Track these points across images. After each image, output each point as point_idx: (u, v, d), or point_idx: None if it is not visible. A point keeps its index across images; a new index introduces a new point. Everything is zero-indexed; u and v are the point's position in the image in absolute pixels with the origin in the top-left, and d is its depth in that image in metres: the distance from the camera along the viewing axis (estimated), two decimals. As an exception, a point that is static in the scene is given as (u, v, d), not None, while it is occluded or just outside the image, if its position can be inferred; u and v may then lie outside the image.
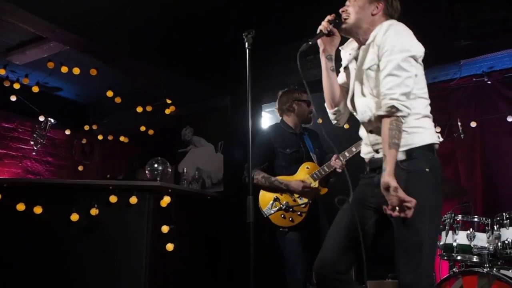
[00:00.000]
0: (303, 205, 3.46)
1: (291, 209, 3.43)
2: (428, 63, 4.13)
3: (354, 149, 3.44)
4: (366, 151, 2.25)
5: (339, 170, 3.44)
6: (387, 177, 1.88)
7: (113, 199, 3.93)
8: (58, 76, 5.45)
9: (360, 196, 2.18)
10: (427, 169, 2.00)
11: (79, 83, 5.91)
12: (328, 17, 2.18)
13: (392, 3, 2.22)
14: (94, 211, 3.87)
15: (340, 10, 2.20)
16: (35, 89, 5.40)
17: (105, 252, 3.90)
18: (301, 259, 3.40)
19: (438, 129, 5.05)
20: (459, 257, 3.49)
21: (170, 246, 4.00)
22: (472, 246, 3.44)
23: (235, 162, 4.86)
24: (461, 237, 3.51)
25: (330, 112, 2.36)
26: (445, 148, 4.98)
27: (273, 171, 3.59)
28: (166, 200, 4.04)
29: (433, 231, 2.03)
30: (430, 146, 2.08)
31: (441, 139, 2.19)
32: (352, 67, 2.27)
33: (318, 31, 2.18)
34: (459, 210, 3.99)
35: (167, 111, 5.65)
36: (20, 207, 3.80)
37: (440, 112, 5.20)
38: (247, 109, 2.54)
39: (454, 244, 3.50)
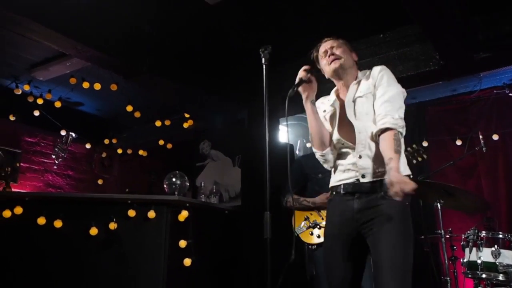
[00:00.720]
0: None
1: (317, 226, 3.61)
2: (447, 75, 4.12)
3: None
4: (347, 176, 2.32)
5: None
6: (397, 172, 2.02)
7: (131, 213, 3.96)
8: (79, 91, 5.56)
9: (338, 226, 2.31)
10: (407, 203, 2.19)
11: (100, 98, 6.02)
12: (304, 67, 2.38)
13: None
14: (112, 225, 3.90)
15: (329, 54, 2.46)
16: (58, 104, 5.54)
17: (123, 266, 3.91)
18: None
19: (459, 142, 5.01)
20: (484, 275, 3.40)
21: (187, 261, 3.99)
22: (497, 263, 3.36)
23: (253, 176, 4.86)
24: (486, 254, 3.43)
25: (319, 153, 2.47)
26: (467, 161, 4.92)
27: (307, 195, 3.79)
28: (184, 215, 4.05)
29: (412, 256, 2.15)
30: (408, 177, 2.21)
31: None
32: (337, 105, 2.47)
33: (297, 80, 2.35)
34: (482, 226, 3.91)
35: (185, 125, 5.69)
36: (41, 221, 3.85)
37: (461, 125, 5.15)
38: (264, 123, 2.55)
39: (479, 261, 3.43)
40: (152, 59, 4.31)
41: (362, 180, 2.24)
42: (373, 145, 2.25)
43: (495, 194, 4.76)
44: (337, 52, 2.43)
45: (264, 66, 2.60)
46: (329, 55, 2.44)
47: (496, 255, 3.36)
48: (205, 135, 5.67)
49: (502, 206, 4.69)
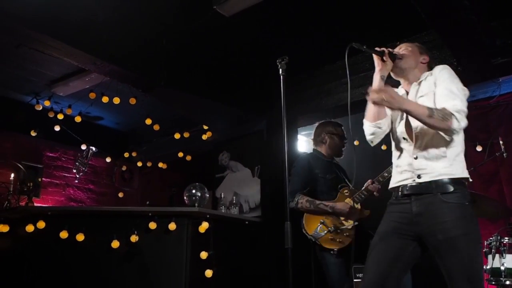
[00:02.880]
0: (350, 227, 3.56)
1: (339, 231, 3.54)
2: (465, 81, 4.06)
3: (386, 174, 3.55)
4: (403, 178, 2.35)
5: (377, 194, 3.59)
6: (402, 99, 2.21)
7: (152, 225, 3.99)
8: (99, 106, 5.67)
9: (395, 225, 2.29)
10: (466, 203, 2.18)
11: (119, 112, 6.12)
12: (389, 49, 2.43)
13: (434, 60, 2.60)
14: (134, 238, 3.93)
15: (397, 49, 2.50)
16: (78, 119, 5.64)
17: (145, 278, 3.93)
18: (348, 281, 3.48)
19: (480, 148, 4.94)
20: (508, 282, 3.35)
21: (209, 273, 4.00)
22: (512, 268, 3.32)
23: (272, 186, 4.87)
24: (509, 261, 3.40)
25: (370, 125, 2.46)
26: (488, 167, 4.85)
27: (314, 196, 3.70)
28: (204, 226, 4.07)
29: (481, 263, 2.17)
30: (464, 181, 2.26)
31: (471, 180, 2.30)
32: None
33: (379, 49, 2.40)
34: (505, 232, 3.85)
35: (204, 137, 5.73)
36: (63, 234, 3.90)
37: (481, 131, 5.08)
38: (283, 133, 2.56)
39: (502, 268, 3.38)
40: (169, 72, 4.36)
41: (418, 180, 2.25)
42: (431, 149, 2.26)
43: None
44: (405, 52, 2.47)
45: (281, 76, 2.63)
46: (398, 52, 2.49)
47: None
48: (224, 146, 5.69)
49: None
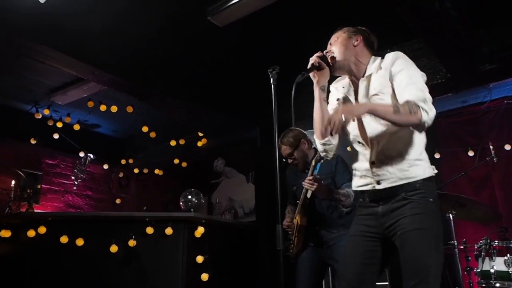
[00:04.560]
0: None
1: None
2: (455, 88, 4.18)
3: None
4: (364, 183, 2.23)
5: (311, 189, 3.22)
6: (360, 105, 2.13)
7: (149, 230, 4.06)
8: (97, 114, 5.75)
9: (363, 228, 2.21)
10: (431, 199, 2.08)
11: (116, 120, 6.20)
12: (318, 53, 2.30)
13: (370, 35, 2.37)
14: (132, 243, 4.01)
15: (324, 52, 2.32)
16: (76, 127, 5.71)
17: (142, 282, 4.01)
18: None
19: (472, 153, 5.02)
20: (497, 284, 3.38)
21: (205, 276, 4.08)
22: (510, 272, 3.34)
23: (266, 191, 4.94)
24: (499, 264, 3.42)
25: (320, 142, 2.34)
26: (480, 172, 4.91)
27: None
28: (200, 231, 4.15)
29: (439, 258, 2.05)
30: (430, 178, 2.13)
31: (435, 171, 2.20)
32: (352, 99, 2.33)
33: (309, 65, 2.27)
34: (496, 236, 3.92)
35: (199, 144, 5.80)
36: (64, 239, 3.98)
37: (472, 136, 5.15)
38: (274, 140, 2.64)
39: (492, 270, 3.42)
40: (165, 81, 4.45)
41: (378, 187, 2.15)
42: (388, 152, 2.13)
43: (509, 204, 4.74)
44: (332, 48, 2.32)
45: (272, 86, 2.70)
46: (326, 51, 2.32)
47: (509, 264, 3.35)
48: (219, 153, 5.76)
49: (515, 215, 4.68)
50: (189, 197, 4.68)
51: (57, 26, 3.65)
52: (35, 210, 5.31)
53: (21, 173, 5.47)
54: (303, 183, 3.17)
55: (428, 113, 1.97)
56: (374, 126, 2.16)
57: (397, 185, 2.10)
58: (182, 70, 4.61)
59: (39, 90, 5.35)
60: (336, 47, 2.31)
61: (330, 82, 2.40)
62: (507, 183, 4.84)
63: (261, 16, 3.58)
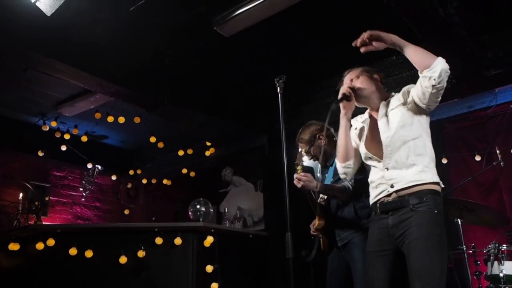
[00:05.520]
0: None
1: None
2: (460, 93, 4.18)
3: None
4: (379, 191, 2.44)
5: (298, 186, 3.16)
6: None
7: (158, 240, 4.07)
8: (104, 125, 5.78)
9: (378, 243, 2.41)
10: (435, 211, 2.27)
11: (124, 130, 6.23)
12: (348, 84, 2.57)
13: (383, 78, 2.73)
14: (141, 253, 4.01)
15: (350, 84, 2.58)
16: (84, 138, 5.74)
17: (153, 292, 4.01)
18: None
19: (478, 158, 5.01)
20: None
21: (214, 286, 4.07)
22: (519, 275, 3.36)
23: (275, 200, 4.94)
24: (508, 268, 3.43)
25: (342, 165, 2.61)
26: (488, 177, 4.89)
27: None
28: (209, 240, 4.15)
29: (444, 265, 2.24)
30: (437, 191, 2.34)
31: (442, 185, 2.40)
32: (367, 122, 2.62)
33: (340, 95, 2.52)
34: (504, 240, 3.90)
35: (207, 153, 5.82)
36: (73, 251, 3.99)
37: (479, 141, 5.14)
38: (281, 148, 2.66)
39: (501, 275, 3.42)
40: (172, 91, 4.47)
41: (391, 190, 2.35)
42: (400, 160, 2.36)
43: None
44: (357, 84, 2.57)
45: (279, 95, 2.73)
46: (349, 86, 2.57)
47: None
48: (227, 162, 5.78)
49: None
50: (198, 206, 4.68)
51: (63, 39, 3.68)
52: (44, 223, 5.33)
53: (29, 186, 5.50)
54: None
55: (437, 71, 2.22)
56: (385, 138, 2.42)
57: (406, 194, 2.30)
58: (189, 79, 4.64)
59: (46, 102, 5.39)
60: (360, 80, 2.59)
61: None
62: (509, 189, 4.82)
63: (267, 25, 3.60)
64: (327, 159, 3.45)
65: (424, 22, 3.23)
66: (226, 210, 5.35)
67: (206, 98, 4.86)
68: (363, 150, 2.55)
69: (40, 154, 5.80)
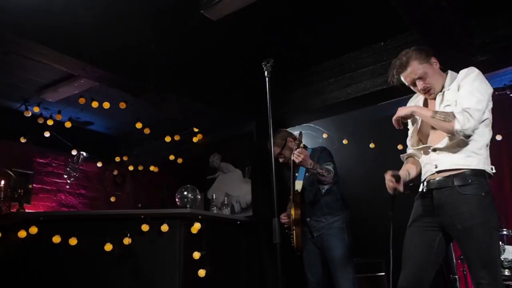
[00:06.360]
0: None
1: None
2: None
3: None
4: (425, 171, 2.55)
5: (299, 159, 3.36)
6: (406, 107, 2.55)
7: (145, 227, 4.03)
8: (89, 111, 5.68)
9: (421, 218, 2.50)
10: (483, 193, 2.31)
11: (109, 116, 6.14)
12: (389, 185, 2.56)
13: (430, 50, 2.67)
14: (127, 240, 3.97)
15: (424, 87, 2.55)
16: (68, 124, 5.62)
17: (139, 280, 3.98)
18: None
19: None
20: (507, 273, 3.45)
21: (202, 272, 4.05)
22: (502, 259, 3.41)
23: (263, 186, 4.94)
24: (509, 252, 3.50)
25: (414, 149, 2.69)
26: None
27: None
28: (196, 227, 4.12)
29: (499, 248, 2.39)
30: (483, 173, 2.36)
31: (494, 171, 2.44)
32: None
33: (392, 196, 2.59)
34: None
35: (195, 139, 5.77)
36: (56, 239, 3.92)
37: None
38: (269, 134, 2.63)
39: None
40: (158, 76, 4.40)
41: (435, 170, 2.43)
42: (447, 142, 2.40)
43: (501, 193, 4.81)
44: (427, 83, 2.53)
45: (267, 79, 2.70)
46: (422, 89, 2.55)
47: (500, 251, 3.41)
48: (215, 148, 5.74)
49: (508, 204, 4.75)
50: (185, 193, 4.66)
51: (46, 21, 3.57)
52: (27, 211, 5.26)
53: (11, 173, 5.38)
54: (292, 155, 3.38)
55: (462, 124, 2.24)
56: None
57: (451, 174, 2.36)
58: (176, 64, 4.57)
59: (28, 88, 5.25)
60: (431, 80, 2.53)
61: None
62: (499, 173, 4.81)
63: (255, 8, 3.54)
64: None
65: (412, 6, 3.20)
66: (214, 197, 5.33)
67: (193, 83, 4.80)
68: (415, 138, 2.65)
69: (23, 140, 5.69)
